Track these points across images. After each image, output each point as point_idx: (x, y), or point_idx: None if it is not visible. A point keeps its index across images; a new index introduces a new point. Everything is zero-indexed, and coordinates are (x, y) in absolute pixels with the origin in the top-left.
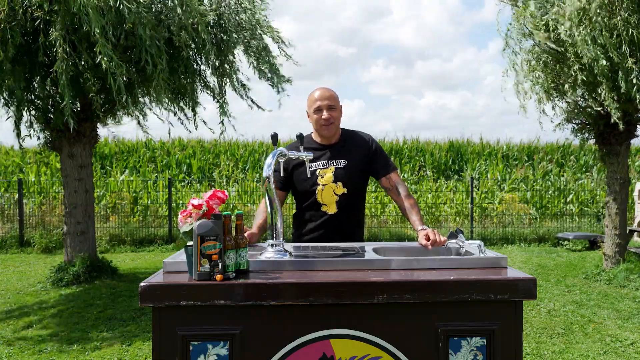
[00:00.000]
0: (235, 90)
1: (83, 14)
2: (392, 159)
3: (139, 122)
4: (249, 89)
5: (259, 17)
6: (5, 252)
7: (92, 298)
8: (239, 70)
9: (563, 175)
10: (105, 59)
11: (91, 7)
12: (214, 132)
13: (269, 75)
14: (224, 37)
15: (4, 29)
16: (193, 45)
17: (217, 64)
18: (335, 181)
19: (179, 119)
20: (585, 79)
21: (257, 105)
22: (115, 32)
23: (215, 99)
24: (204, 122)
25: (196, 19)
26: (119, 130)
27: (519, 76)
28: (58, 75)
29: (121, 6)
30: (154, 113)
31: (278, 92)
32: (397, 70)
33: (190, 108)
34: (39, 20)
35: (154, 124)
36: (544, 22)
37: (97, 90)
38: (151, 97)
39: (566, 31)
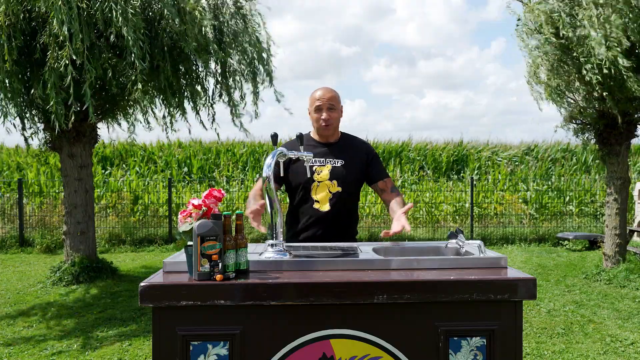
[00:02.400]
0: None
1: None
2: (393, 159)
3: (133, 124)
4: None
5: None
6: (5, 252)
7: (92, 298)
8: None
9: (563, 176)
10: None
11: (66, 14)
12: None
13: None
14: (223, 42)
15: (7, 30)
16: (193, 49)
17: (218, 69)
18: (330, 179)
19: (165, 124)
20: (596, 79)
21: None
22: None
23: (227, 100)
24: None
25: (195, 25)
26: (118, 130)
27: (528, 75)
28: (46, 78)
29: (107, 9)
30: (147, 115)
31: (278, 101)
32: (400, 69)
33: (182, 110)
34: (36, 21)
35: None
36: (554, 16)
37: (92, 93)
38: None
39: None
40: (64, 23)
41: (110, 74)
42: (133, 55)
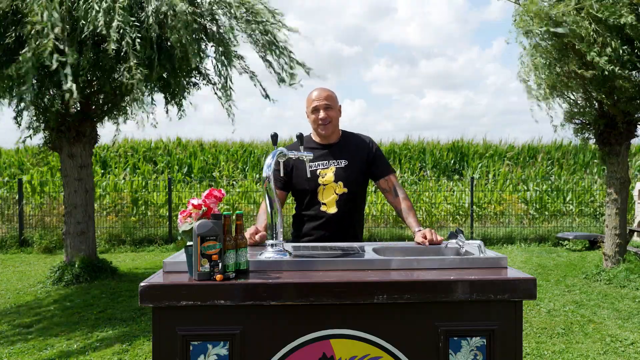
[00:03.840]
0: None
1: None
2: (393, 159)
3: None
4: (255, 75)
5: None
6: (5, 252)
7: (92, 298)
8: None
9: (563, 176)
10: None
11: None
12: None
13: (280, 63)
14: (224, 26)
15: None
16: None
17: (219, 52)
18: (336, 181)
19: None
20: (593, 75)
21: (265, 94)
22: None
23: (218, 87)
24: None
25: (179, 22)
26: (119, 130)
27: (524, 74)
28: (25, 69)
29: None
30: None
31: (292, 79)
32: (401, 69)
33: (178, 104)
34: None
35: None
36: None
37: (92, 91)
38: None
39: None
40: (45, 11)
41: (89, 67)
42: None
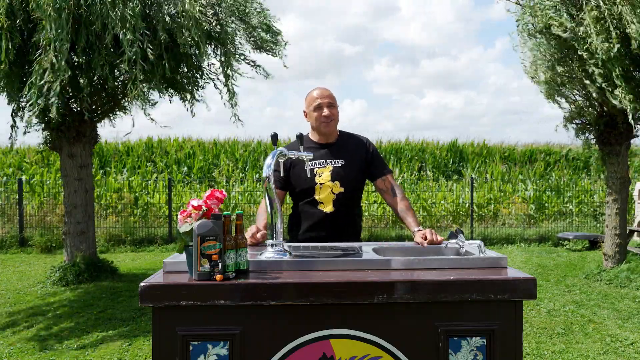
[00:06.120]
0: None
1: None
2: (392, 159)
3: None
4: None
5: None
6: (5, 252)
7: (92, 298)
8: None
9: (562, 176)
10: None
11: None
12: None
13: (268, 39)
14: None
15: (4, 28)
16: (192, 42)
17: (218, 52)
18: (332, 180)
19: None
20: (599, 74)
21: (264, 71)
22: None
23: (223, 85)
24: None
25: (190, 23)
26: (119, 130)
27: (528, 73)
28: (33, 79)
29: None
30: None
31: (279, 51)
32: (402, 69)
33: (190, 102)
34: (33, 22)
35: (151, 123)
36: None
37: (93, 91)
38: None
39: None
40: (51, 29)
41: (107, 71)
42: (129, 54)
